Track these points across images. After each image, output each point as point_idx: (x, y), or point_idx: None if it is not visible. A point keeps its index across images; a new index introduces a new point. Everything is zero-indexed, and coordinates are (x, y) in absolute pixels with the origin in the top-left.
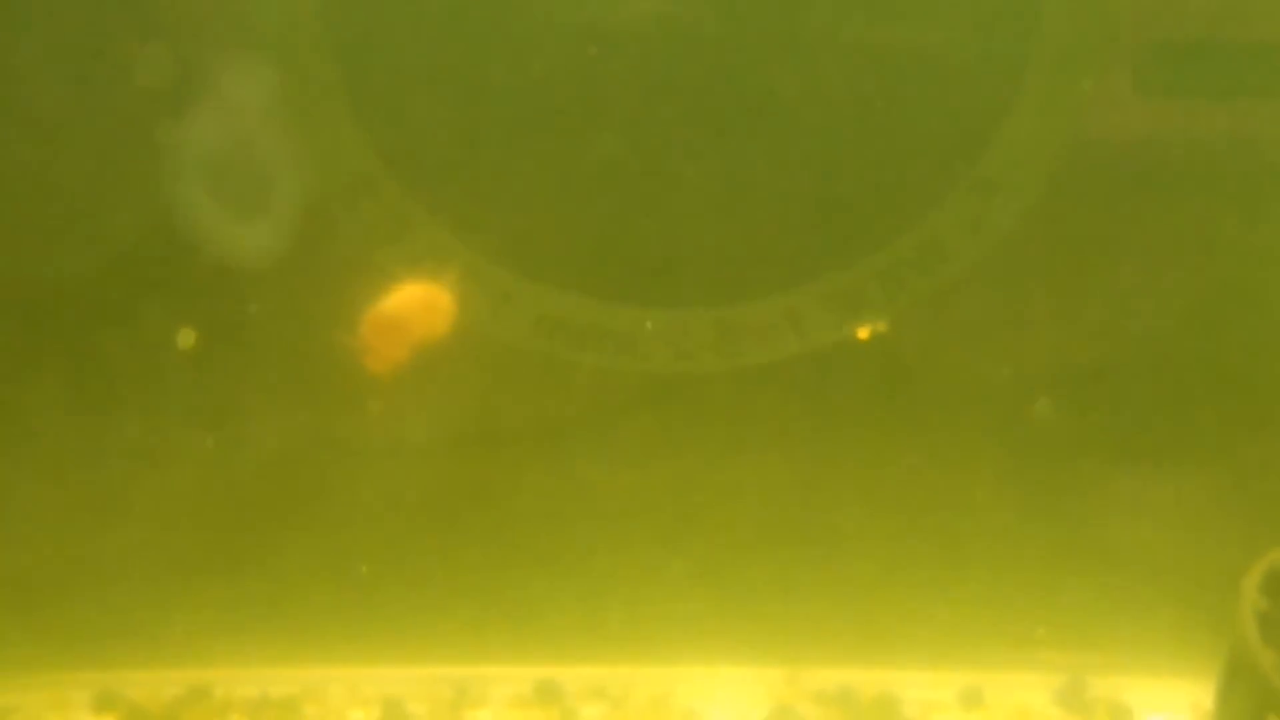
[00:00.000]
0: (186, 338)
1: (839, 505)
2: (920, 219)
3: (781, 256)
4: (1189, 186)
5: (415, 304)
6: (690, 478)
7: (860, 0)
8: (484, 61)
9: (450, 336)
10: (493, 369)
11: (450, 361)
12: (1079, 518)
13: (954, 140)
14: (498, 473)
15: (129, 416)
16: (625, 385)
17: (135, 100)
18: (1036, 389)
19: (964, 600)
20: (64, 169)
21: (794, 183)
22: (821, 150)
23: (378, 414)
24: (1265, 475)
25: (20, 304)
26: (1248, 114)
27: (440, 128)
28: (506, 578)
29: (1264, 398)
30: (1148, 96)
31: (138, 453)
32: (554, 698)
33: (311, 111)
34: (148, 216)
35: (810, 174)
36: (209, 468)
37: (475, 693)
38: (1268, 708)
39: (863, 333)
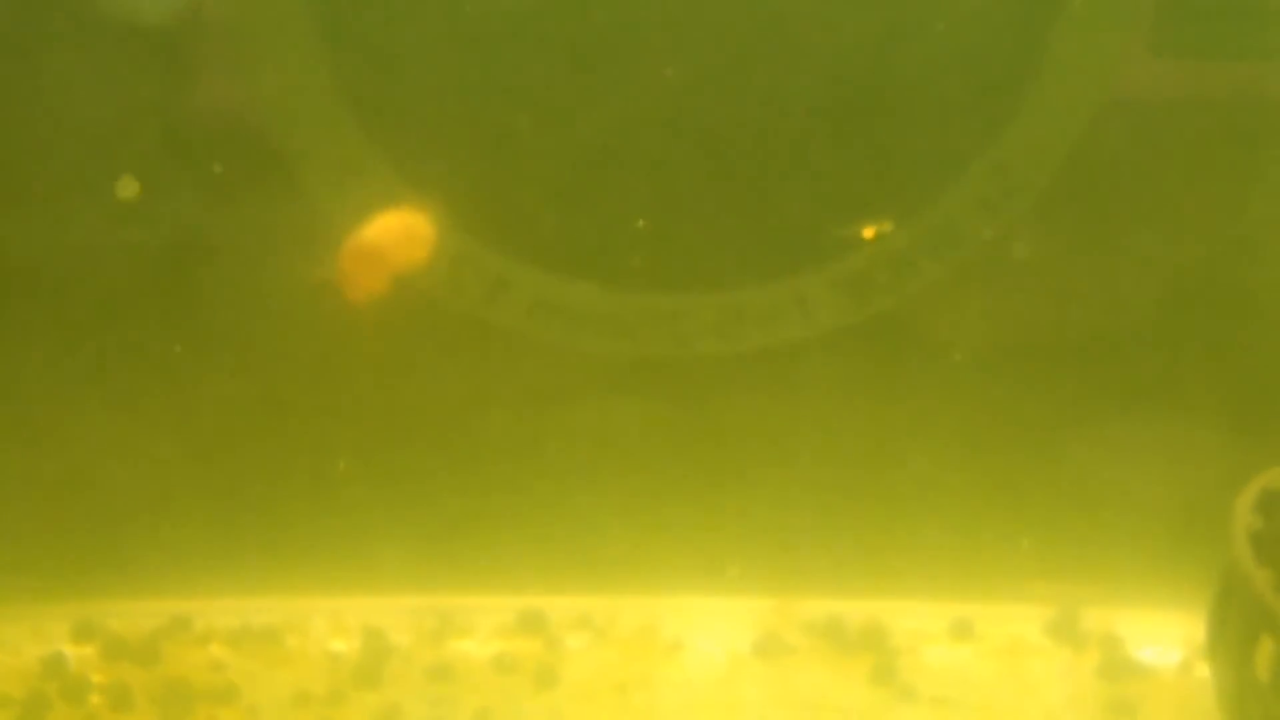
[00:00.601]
0: (128, 188)
1: (829, 435)
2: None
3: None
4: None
5: (393, 233)
6: (679, 407)
7: None
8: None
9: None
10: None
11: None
12: (1071, 449)
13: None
14: (483, 402)
15: (105, 344)
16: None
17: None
18: (1035, 332)
19: (955, 531)
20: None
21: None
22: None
23: (363, 342)
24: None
25: None
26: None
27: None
28: (490, 507)
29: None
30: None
31: (114, 380)
32: (538, 628)
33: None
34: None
35: (851, 121)
36: (188, 396)
37: (459, 623)
38: (1261, 627)
39: (868, 232)
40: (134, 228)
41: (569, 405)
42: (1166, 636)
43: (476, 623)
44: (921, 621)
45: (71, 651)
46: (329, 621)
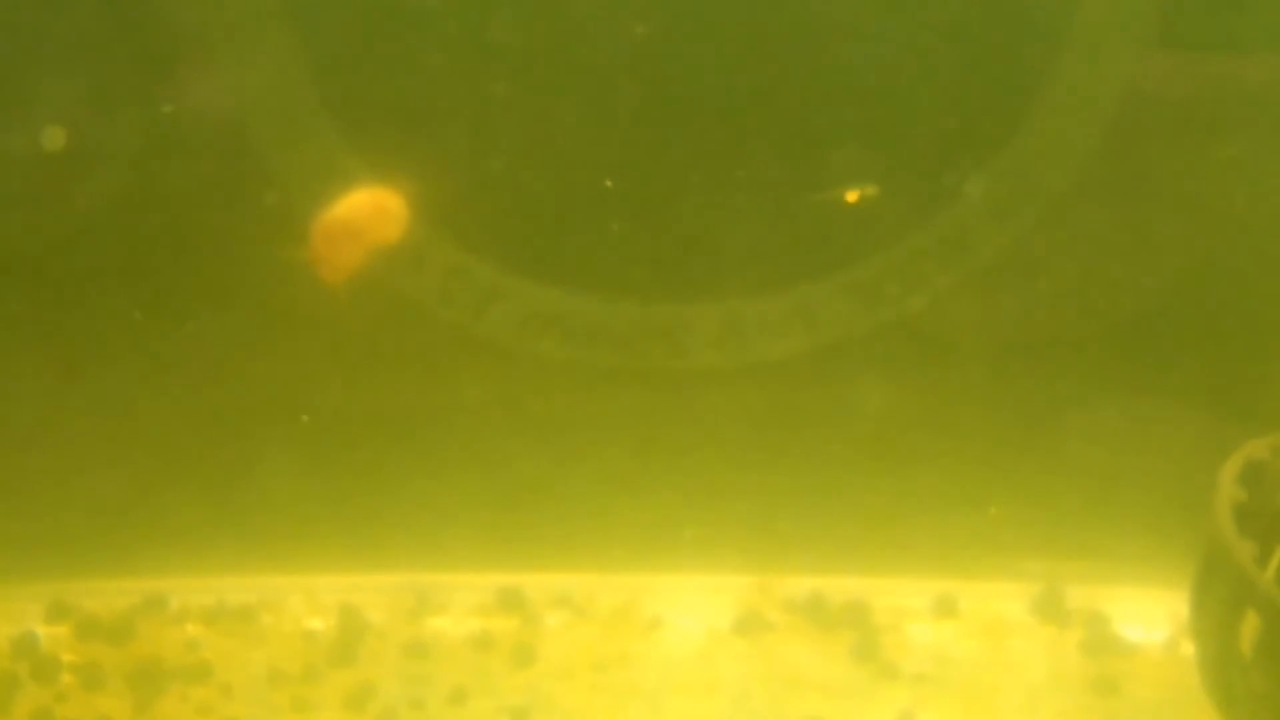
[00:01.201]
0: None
1: (811, 412)
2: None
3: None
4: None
5: (366, 210)
6: (659, 387)
7: None
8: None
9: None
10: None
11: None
12: (1055, 426)
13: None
14: (460, 380)
15: (74, 325)
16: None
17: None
18: (1019, 312)
19: (938, 507)
20: None
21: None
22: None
23: (337, 322)
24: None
25: None
26: None
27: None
28: (468, 484)
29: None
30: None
31: (89, 357)
32: (517, 606)
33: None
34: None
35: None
36: (160, 376)
37: (436, 600)
38: (1244, 600)
39: (852, 196)
40: (98, 202)
41: (550, 388)
42: (1151, 614)
43: (454, 600)
44: (904, 599)
45: (44, 631)
46: (305, 600)
